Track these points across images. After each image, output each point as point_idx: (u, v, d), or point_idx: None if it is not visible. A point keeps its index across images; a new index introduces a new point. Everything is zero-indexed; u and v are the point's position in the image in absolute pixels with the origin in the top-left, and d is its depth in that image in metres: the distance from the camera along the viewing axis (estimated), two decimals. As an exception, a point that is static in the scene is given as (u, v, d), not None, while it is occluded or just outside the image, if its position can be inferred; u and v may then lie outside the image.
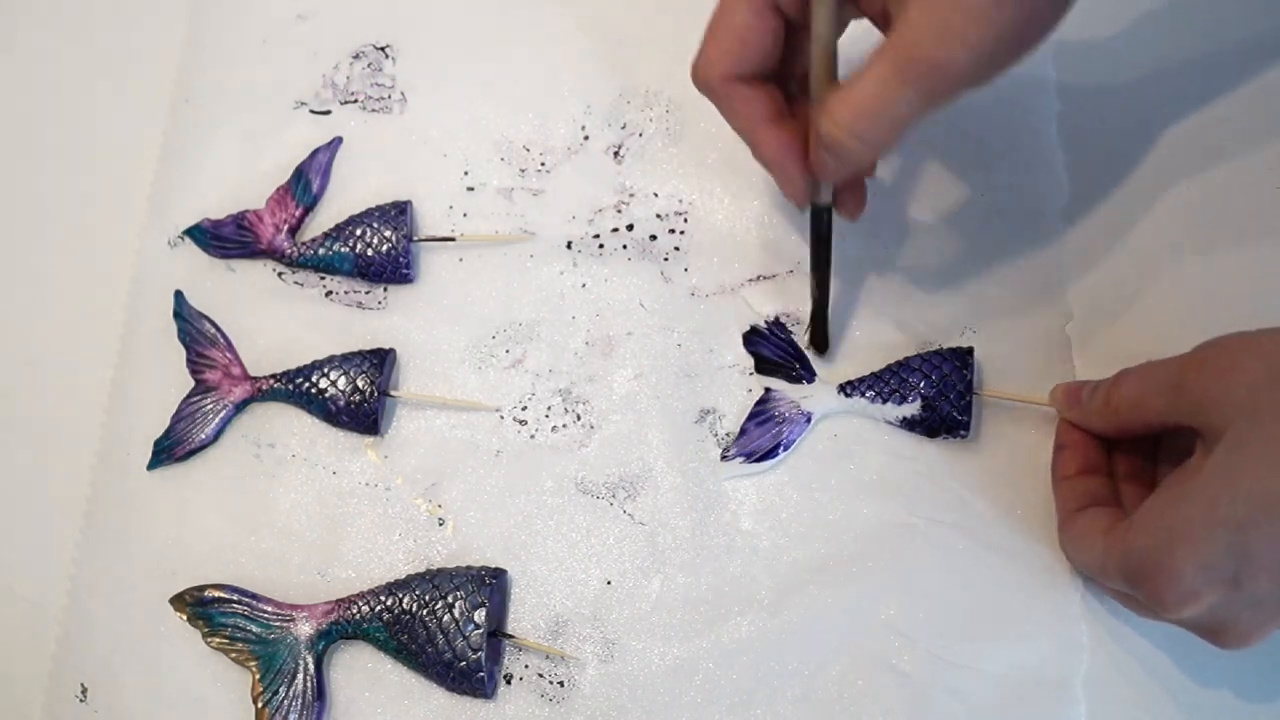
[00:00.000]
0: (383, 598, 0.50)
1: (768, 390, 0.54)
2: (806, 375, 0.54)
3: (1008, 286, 0.55)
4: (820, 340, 0.54)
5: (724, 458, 0.53)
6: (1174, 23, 0.59)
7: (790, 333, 0.55)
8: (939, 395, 0.51)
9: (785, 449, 0.52)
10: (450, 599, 0.49)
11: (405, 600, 0.49)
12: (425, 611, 0.49)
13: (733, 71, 0.46)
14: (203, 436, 0.54)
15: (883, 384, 0.52)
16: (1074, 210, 0.56)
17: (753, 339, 0.55)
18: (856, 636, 0.49)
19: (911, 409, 0.52)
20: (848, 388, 0.53)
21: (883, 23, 0.45)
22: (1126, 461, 0.48)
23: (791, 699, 0.49)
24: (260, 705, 0.49)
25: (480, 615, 0.48)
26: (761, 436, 0.53)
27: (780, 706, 0.49)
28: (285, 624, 0.50)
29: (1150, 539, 0.41)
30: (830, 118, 0.43)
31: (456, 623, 0.48)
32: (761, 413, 0.53)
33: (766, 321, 0.55)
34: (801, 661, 0.49)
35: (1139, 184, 0.56)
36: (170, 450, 0.54)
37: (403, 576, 0.51)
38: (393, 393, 0.55)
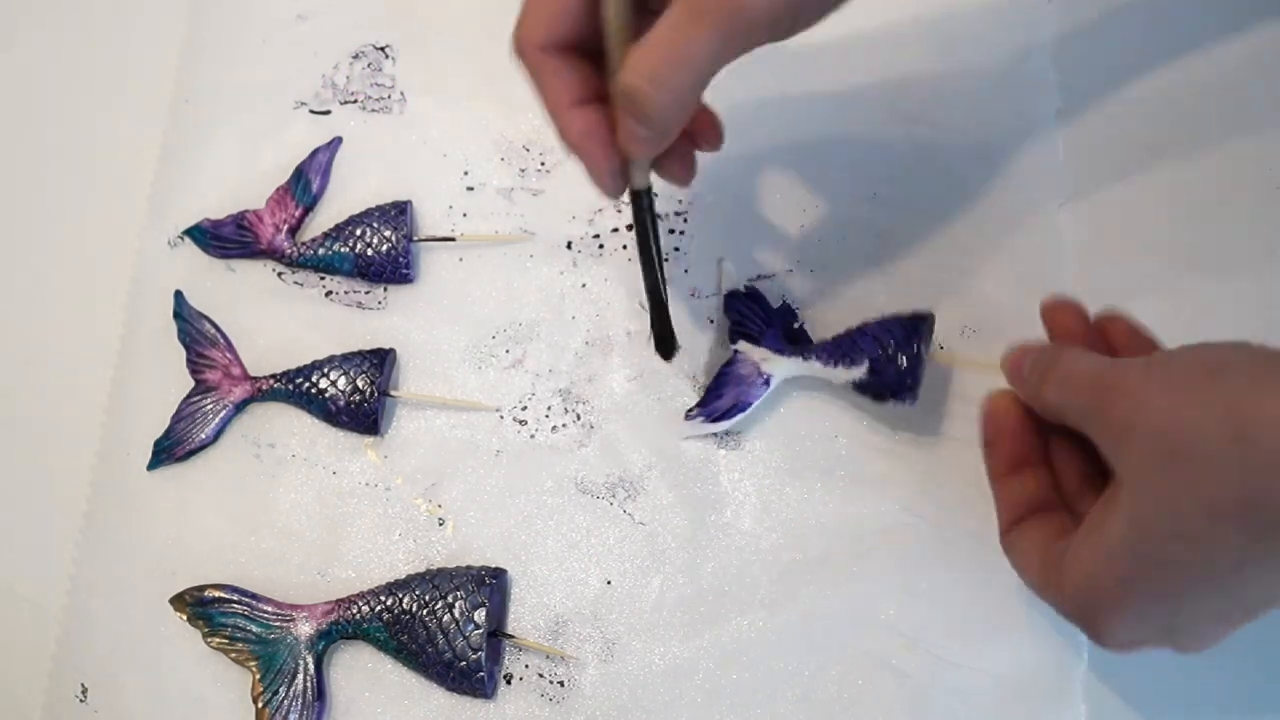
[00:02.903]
0: (383, 598, 0.50)
1: (735, 352, 0.54)
2: (773, 342, 0.53)
3: (1007, 285, 0.55)
4: (664, 343, 0.52)
5: (687, 416, 0.53)
6: (1175, 21, 0.59)
7: (765, 299, 0.55)
8: (887, 360, 0.50)
9: (743, 410, 0.52)
10: (450, 599, 0.49)
11: (405, 600, 0.49)
12: (425, 611, 0.49)
13: (546, 40, 0.44)
14: (203, 436, 0.54)
15: (836, 347, 0.52)
16: (1074, 209, 0.56)
17: (731, 302, 0.55)
18: (856, 636, 0.49)
19: (859, 371, 0.51)
20: (805, 352, 0.52)
21: None
22: (1064, 447, 0.45)
23: (791, 699, 0.49)
24: (260, 705, 0.49)
25: (480, 615, 0.48)
26: (723, 397, 0.53)
27: (780, 706, 0.49)
28: (285, 624, 0.50)
29: (1079, 596, 0.40)
30: (629, 68, 0.41)
31: (456, 623, 0.48)
32: (726, 374, 0.53)
33: (746, 286, 0.55)
34: (801, 661, 0.49)
35: (1139, 182, 0.56)
36: (170, 450, 0.54)
37: (403, 576, 0.51)
38: (393, 393, 0.55)
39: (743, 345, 0.54)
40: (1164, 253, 0.55)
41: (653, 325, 0.51)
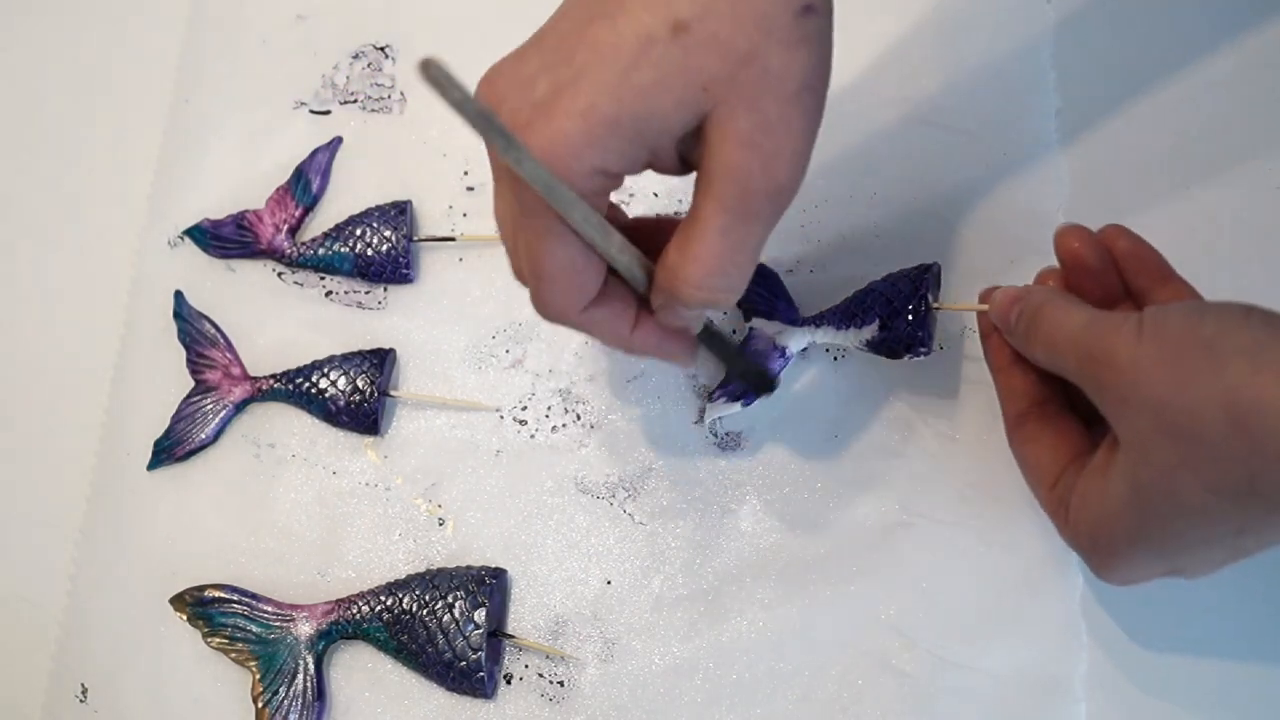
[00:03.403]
0: (383, 598, 0.50)
1: (750, 329, 0.53)
2: (785, 315, 0.53)
3: (1007, 284, 0.55)
4: (762, 379, 0.51)
5: (711, 398, 0.53)
6: (1174, 21, 0.59)
7: (774, 276, 0.54)
8: (895, 314, 0.50)
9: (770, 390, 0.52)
10: (450, 599, 0.49)
11: (405, 600, 0.49)
12: (425, 611, 0.49)
13: (580, 305, 0.42)
14: (203, 436, 0.54)
15: (845, 310, 0.52)
16: (1073, 209, 0.56)
17: None
18: (856, 636, 0.49)
19: (871, 331, 0.50)
20: (816, 319, 0.52)
21: (684, 169, 0.41)
22: None
23: (791, 699, 0.49)
24: (260, 705, 0.49)
25: (480, 615, 0.48)
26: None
27: (780, 706, 0.49)
28: (285, 624, 0.50)
29: (1084, 541, 0.42)
30: (686, 284, 0.40)
31: (456, 623, 0.48)
32: (744, 352, 0.53)
33: None
34: (801, 661, 0.49)
35: (1138, 182, 0.56)
36: (170, 450, 0.54)
37: (403, 576, 0.51)
38: (393, 393, 0.55)
39: (757, 321, 0.54)
40: (1162, 250, 0.55)
41: (744, 376, 0.51)
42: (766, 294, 0.54)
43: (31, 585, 0.53)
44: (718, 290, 0.40)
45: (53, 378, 0.57)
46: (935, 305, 0.51)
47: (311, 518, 0.53)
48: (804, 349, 0.53)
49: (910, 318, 0.49)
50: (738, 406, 0.52)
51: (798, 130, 0.38)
